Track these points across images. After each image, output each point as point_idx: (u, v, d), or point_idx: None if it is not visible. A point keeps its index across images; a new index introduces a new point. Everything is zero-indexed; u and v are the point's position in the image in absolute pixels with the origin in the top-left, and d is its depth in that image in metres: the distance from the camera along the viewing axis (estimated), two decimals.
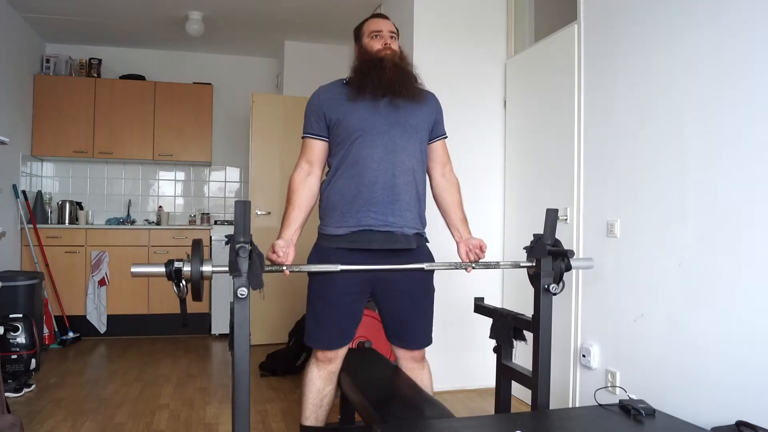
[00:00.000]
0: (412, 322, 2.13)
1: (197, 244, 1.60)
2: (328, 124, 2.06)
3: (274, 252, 1.91)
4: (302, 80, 5.19)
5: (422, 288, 2.14)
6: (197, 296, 1.61)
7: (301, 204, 2.07)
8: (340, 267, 1.80)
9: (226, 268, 1.58)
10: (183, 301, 1.62)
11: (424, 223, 2.14)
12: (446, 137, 2.24)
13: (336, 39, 5.14)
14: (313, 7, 4.40)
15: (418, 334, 2.16)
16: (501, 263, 2.01)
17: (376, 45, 2.07)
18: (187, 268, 1.55)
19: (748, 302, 1.91)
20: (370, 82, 1.99)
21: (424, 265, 1.92)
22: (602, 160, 2.68)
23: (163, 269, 1.56)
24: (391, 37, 2.10)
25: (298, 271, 1.85)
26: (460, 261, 2.04)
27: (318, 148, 2.09)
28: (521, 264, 1.95)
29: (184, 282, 1.57)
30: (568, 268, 1.87)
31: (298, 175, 2.09)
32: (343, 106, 2.03)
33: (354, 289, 2.03)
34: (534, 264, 1.90)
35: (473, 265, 1.98)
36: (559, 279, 1.86)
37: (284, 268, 1.81)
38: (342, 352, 2.10)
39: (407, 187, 2.03)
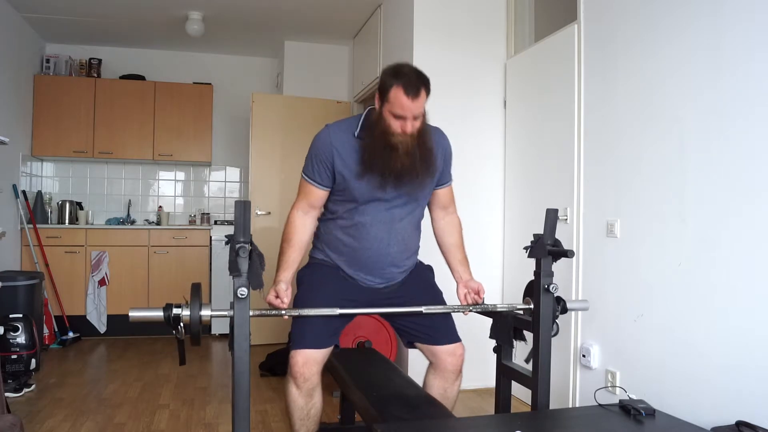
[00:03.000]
0: (432, 320, 2.08)
1: (196, 289, 1.60)
2: (334, 175, 1.99)
3: (277, 297, 1.90)
4: (302, 80, 5.19)
5: (428, 292, 2.13)
6: (196, 341, 1.61)
7: (301, 245, 2.05)
8: (338, 311, 1.82)
9: (226, 312, 1.59)
10: (181, 343, 1.62)
11: (416, 254, 2.19)
12: (452, 182, 2.23)
13: (336, 39, 5.14)
14: (313, 7, 4.40)
15: (442, 328, 2.09)
16: (499, 306, 2.02)
17: (395, 127, 1.89)
18: (185, 313, 1.55)
19: (748, 302, 1.91)
20: (378, 166, 1.91)
21: (422, 309, 1.93)
22: (602, 160, 2.68)
23: (161, 314, 1.56)
24: (415, 119, 1.90)
25: (297, 315, 1.87)
26: (459, 303, 2.04)
27: (320, 195, 2.04)
28: (518, 307, 1.97)
29: (182, 326, 1.57)
30: (564, 311, 1.89)
31: (299, 216, 2.05)
32: (352, 167, 1.96)
33: (345, 299, 2.02)
34: (530, 306, 1.92)
35: (471, 308, 1.97)
36: (553, 320, 1.87)
37: (283, 312, 1.81)
38: (317, 367, 1.98)
39: (400, 253, 2.08)
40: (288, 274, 2.00)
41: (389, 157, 1.90)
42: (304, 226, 2.05)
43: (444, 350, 2.07)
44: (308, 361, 1.95)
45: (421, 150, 1.95)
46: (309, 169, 2.02)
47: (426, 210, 2.22)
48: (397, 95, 1.84)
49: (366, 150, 1.94)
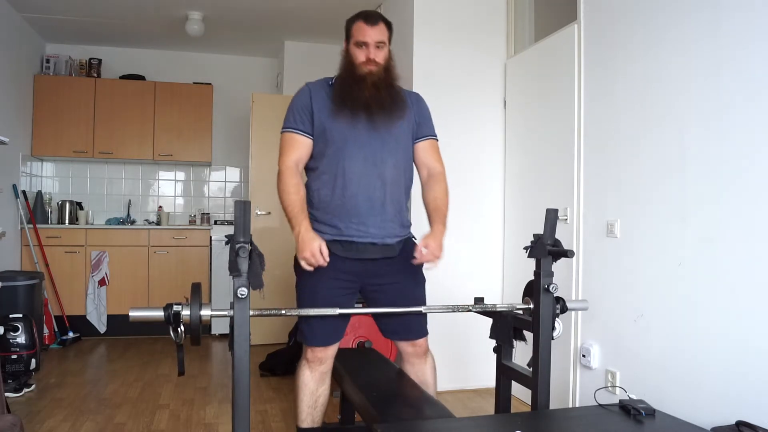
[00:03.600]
0: (408, 319, 2.13)
1: (196, 289, 1.60)
2: (314, 123, 2.07)
3: (312, 254, 1.90)
4: (302, 80, 5.08)
5: (410, 277, 2.15)
6: (196, 341, 1.61)
7: (303, 196, 2.08)
8: (338, 311, 1.83)
9: (226, 312, 1.59)
10: (180, 348, 1.62)
11: (408, 227, 2.21)
12: (433, 137, 2.22)
13: (336, 39, 5.13)
14: (313, 7, 4.40)
15: (414, 323, 2.15)
16: (498, 306, 2.01)
17: (359, 56, 2.05)
18: (186, 312, 1.55)
19: (748, 302, 1.91)
20: (349, 99, 2.02)
21: (422, 308, 1.93)
22: (602, 160, 2.68)
23: (161, 313, 1.57)
24: (378, 47, 2.06)
25: (296, 315, 1.89)
26: (457, 305, 2.03)
27: (306, 146, 2.09)
28: (518, 307, 1.98)
29: (182, 327, 1.57)
30: (564, 310, 1.89)
31: (291, 169, 2.09)
32: (329, 110, 2.05)
33: (342, 288, 2.07)
34: (530, 306, 1.92)
35: (471, 308, 1.97)
36: (553, 320, 1.87)
37: (283, 312, 1.80)
38: (332, 351, 2.09)
39: (388, 199, 2.07)
40: (308, 223, 1.99)
41: (357, 88, 2.02)
42: (299, 182, 2.08)
43: (411, 347, 2.18)
44: (321, 350, 2.07)
45: (387, 82, 2.06)
46: (290, 120, 2.11)
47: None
48: (358, 25, 2.09)
49: (336, 86, 2.08)
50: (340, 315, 1.94)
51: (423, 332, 2.19)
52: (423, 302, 2.17)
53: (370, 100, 2.01)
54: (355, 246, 2.05)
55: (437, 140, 2.24)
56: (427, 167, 2.20)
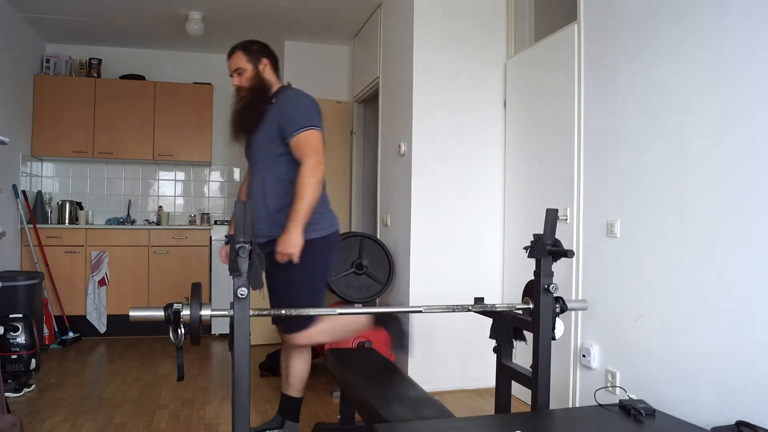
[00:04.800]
0: (277, 302, 2.43)
1: (196, 289, 1.60)
2: None
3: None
4: (302, 80, 5.17)
5: (285, 269, 2.32)
6: (196, 341, 1.61)
7: None
8: (338, 310, 1.98)
9: (226, 312, 1.59)
10: (180, 350, 1.62)
11: (282, 225, 2.35)
12: (297, 132, 2.34)
13: (336, 39, 5.14)
14: (313, 7, 4.40)
15: (288, 320, 2.39)
16: (498, 306, 2.01)
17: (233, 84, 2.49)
18: (186, 312, 1.56)
19: (748, 302, 1.91)
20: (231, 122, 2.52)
21: (422, 308, 1.93)
22: (602, 160, 2.68)
23: (161, 313, 1.57)
24: (239, 74, 2.46)
25: (296, 314, 2.01)
26: (457, 305, 2.05)
27: None
28: (518, 307, 1.98)
29: (182, 329, 1.57)
30: (564, 310, 1.89)
31: None
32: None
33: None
34: (529, 306, 1.92)
35: (471, 308, 1.97)
36: (553, 320, 1.87)
37: (283, 312, 1.84)
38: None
39: (258, 206, 2.40)
40: None
41: (232, 115, 2.51)
42: None
43: (283, 338, 2.48)
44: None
45: (245, 102, 2.45)
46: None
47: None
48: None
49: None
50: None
51: (289, 329, 2.41)
52: (296, 297, 2.37)
53: (234, 117, 2.49)
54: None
55: (305, 131, 2.35)
56: (299, 159, 2.36)
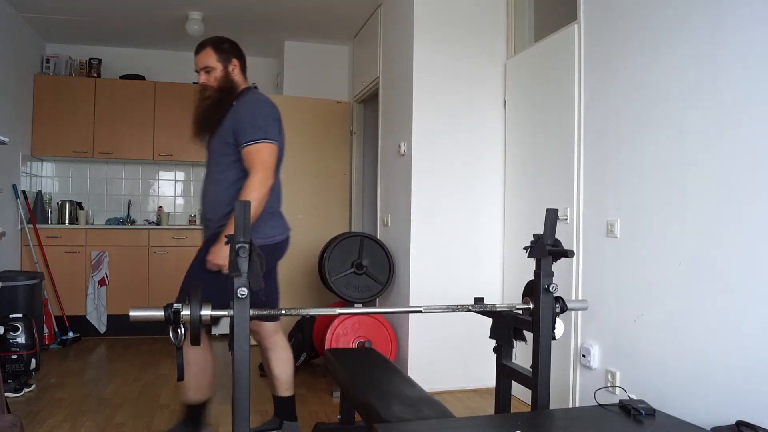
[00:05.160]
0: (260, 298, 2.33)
1: (196, 288, 1.60)
2: None
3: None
4: (302, 80, 5.19)
5: (214, 274, 2.30)
6: (196, 341, 1.61)
7: None
8: (338, 310, 2.06)
9: (226, 312, 1.59)
10: (180, 350, 1.62)
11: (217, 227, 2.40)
12: (248, 144, 2.29)
13: (336, 39, 5.14)
14: (313, 7, 4.40)
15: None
16: (498, 306, 2.01)
17: (200, 82, 2.45)
18: (186, 312, 1.56)
19: (748, 302, 1.91)
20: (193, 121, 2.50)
21: (422, 308, 1.92)
22: (602, 160, 2.68)
23: (161, 313, 1.57)
24: (207, 72, 2.39)
25: (296, 315, 2.05)
26: (457, 305, 2.04)
27: None
28: (517, 307, 1.97)
29: (182, 329, 1.57)
30: (564, 310, 1.89)
31: None
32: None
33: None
34: (529, 306, 1.92)
35: (470, 308, 1.97)
36: (553, 320, 1.87)
37: (283, 312, 1.87)
38: (264, 331, 2.51)
39: (208, 210, 2.47)
40: None
41: (195, 112, 2.47)
42: None
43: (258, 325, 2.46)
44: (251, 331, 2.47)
45: (211, 102, 2.39)
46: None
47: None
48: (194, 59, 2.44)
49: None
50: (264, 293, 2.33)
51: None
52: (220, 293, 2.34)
53: (196, 116, 2.46)
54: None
55: (257, 144, 2.29)
56: (248, 170, 2.32)
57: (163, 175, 5.69)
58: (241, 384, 1.58)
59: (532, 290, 1.93)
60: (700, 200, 2.11)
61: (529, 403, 1.97)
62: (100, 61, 5.29)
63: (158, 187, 5.68)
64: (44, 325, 4.35)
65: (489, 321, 2.16)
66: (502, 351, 2.09)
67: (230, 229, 2.12)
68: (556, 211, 1.90)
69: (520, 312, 2.00)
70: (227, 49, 2.43)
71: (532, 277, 1.93)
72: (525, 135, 3.42)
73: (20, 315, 3.54)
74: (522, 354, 2.40)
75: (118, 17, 4.68)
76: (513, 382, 2.06)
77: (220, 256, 2.23)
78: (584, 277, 2.79)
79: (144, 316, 1.59)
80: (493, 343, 2.13)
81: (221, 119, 2.36)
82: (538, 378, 1.86)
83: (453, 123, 3.59)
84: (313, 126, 4.86)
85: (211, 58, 2.40)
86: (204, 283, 2.20)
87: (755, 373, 1.87)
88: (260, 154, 2.27)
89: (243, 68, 2.51)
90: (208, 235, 2.45)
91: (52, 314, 4.66)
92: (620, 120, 2.55)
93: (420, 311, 1.93)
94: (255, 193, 2.24)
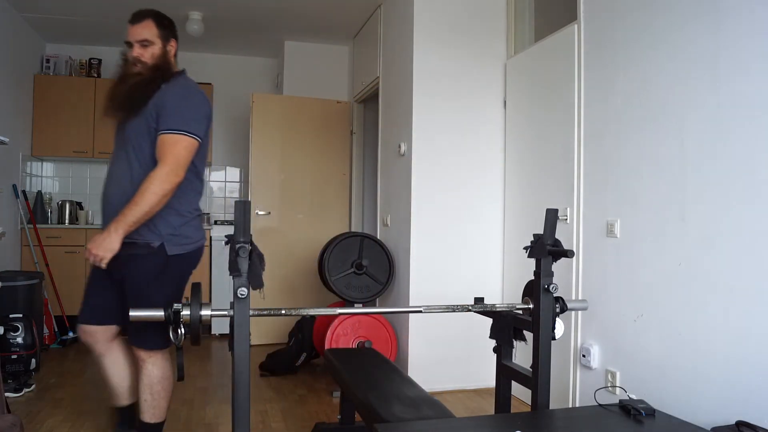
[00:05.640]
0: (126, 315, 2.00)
1: (196, 289, 1.60)
2: None
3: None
4: (302, 80, 5.19)
5: (130, 278, 2.12)
6: (196, 341, 1.61)
7: None
8: (338, 310, 1.98)
9: (226, 312, 1.59)
10: (180, 351, 1.62)
11: (150, 233, 2.08)
12: (166, 132, 2.05)
13: (336, 39, 5.14)
14: (313, 7, 4.40)
15: (133, 328, 2.20)
16: (498, 306, 2.01)
17: (129, 54, 2.17)
18: (186, 312, 1.56)
19: (748, 302, 1.91)
20: (106, 99, 2.16)
21: (422, 308, 1.92)
22: (602, 160, 2.68)
23: (161, 313, 1.57)
24: (143, 46, 2.14)
25: (296, 315, 1.96)
26: (457, 305, 2.02)
27: None
28: (517, 307, 1.97)
29: (182, 329, 1.57)
30: (563, 310, 1.89)
31: None
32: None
33: (103, 278, 2.18)
34: (529, 306, 1.92)
35: (470, 308, 1.96)
36: (553, 320, 1.87)
37: (283, 312, 1.83)
38: (102, 335, 2.27)
39: (115, 198, 2.10)
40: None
41: (112, 89, 2.16)
42: None
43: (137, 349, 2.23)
44: (85, 333, 2.27)
45: (141, 80, 2.10)
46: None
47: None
48: (128, 28, 2.18)
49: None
50: (98, 299, 2.22)
51: (137, 342, 2.22)
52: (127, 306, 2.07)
53: (115, 94, 2.13)
54: None
55: (175, 134, 2.04)
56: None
57: None
58: (241, 384, 1.58)
59: (532, 290, 1.94)
60: (700, 200, 2.11)
61: (529, 403, 1.97)
62: (100, 61, 5.29)
63: None
64: (44, 325, 4.35)
65: (489, 321, 2.16)
66: (502, 351, 2.09)
67: (122, 221, 1.97)
68: (556, 211, 1.90)
69: (520, 312, 2.00)
70: (168, 26, 2.22)
71: (532, 277, 1.93)
72: (525, 135, 3.42)
73: (20, 315, 3.54)
74: (522, 354, 2.40)
75: (118, 17, 4.67)
76: (513, 382, 2.06)
77: (106, 247, 1.96)
78: (584, 277, 2.79)
79: (144, 316, 1.60)
80: (493, 343, 2.13)
81: (147, 101, 2.07)
82: (538, 378, 1.86)
83: (453, 123, 3.59)
84: (313, 126, 4.86)
85: (151, 31, 2.15)
86: (155, 291, 2.08)
87: (755, 373, 1.87)
88: (175, 147, 2.02)
89: (176, 53, 2.27)
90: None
91: (52, 314, 4.65)
92: (620, 120, 2.55)
93: (420, 311, 1.94)
94: (156, 186, 1.98)
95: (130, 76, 2.11)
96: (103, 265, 1.99)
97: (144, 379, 2.23)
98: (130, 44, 2.14)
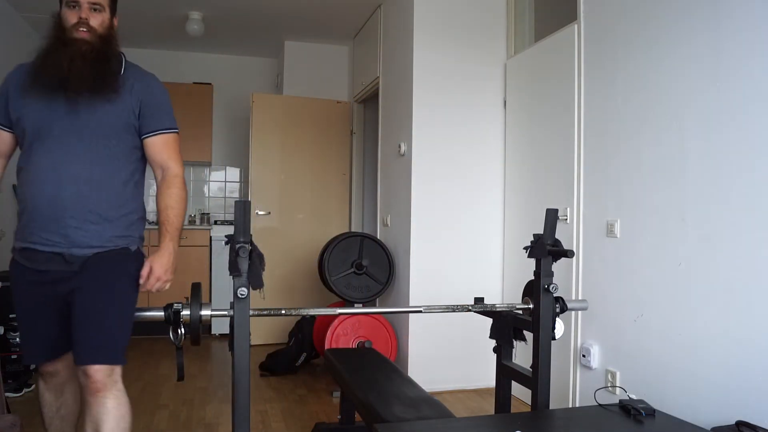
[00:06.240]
0: (82, 326, 1.68)
1: (196, 289, 1.60)
2: (9, 110, 1.77)
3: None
4: (302, 80, 5.19)
5: (102, 279, 1.71)
6: (196, 341, 1.60)
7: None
8: (338, 310, 1.83)
9: (226, 312, 1.59)
10: (180, 351, 1.61)
11: (122, 237, 1.77)
12: (168, 132, 1.86)
13: (336, 39, 5.14)
14: (313, 7, 4.40)
15: (86, 343, 1.67)
16: (498, 306, 2.01)
17: (71, 18, 1.73)
18: (186, 312, 1.56)
19: (748, 302, 1.91)
20: (45, 71, 1.69)
21: (422, 308, 1.92)
22: (602, 160, 2.68)
23: (161, 313, 1.57)
24: (94, 10, 1.76)
25: (296, 315, 1.88)
26: (457, 305, 2.00)
27: (2, 139, 1.81)
28: (518, 307, 1.98)
29: (182, 329, 1.57)
30: (563, 310, 1.89)
31: None
32: (20, 85, 1.75)
33: (41, 298, 1.74)
34: (529, 306, 1.92)
35: (470, 308, 1.96)
36: (553, 320, 1.87)
37: (283, 312, 1.77)
38: (62, 364, 1.84)
39: (80, 201, 1.69)
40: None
41: (58, 57, 1.68)
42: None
43: (81, 374, 1.71)
44: (48, 374, 1.86)
45: (101, 54, 1.75)
46: None
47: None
48: None
49: (37, 55, 1.75)
50: (58, 326, 1.74)
51: (97, 357, 1.68)
52: (110, 320, 1.73)
53: (71, 73, 1.66)
54: (35, 256, 1.71)
55: (175, 133, 1.88)
56: (161, 167, 1.85)
57: None
58: (241, 384, 1.58)
59: (532, 290, 1.94)
60: (700, 200, 2.11)
61: (529, 403, 1.97)
62: None
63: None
64: None
65: (489, 321, 2.16)
66: (502, 351, 2.10)
67: (174, 233, 1.76)
68: (556, 211, 1.90)
69: (520, 312, 2.00)
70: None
71: (532, 277, 1.93)
72: (525, 135, 3.42)
73: None
74: (522, 354, 2.40)
75: (118, 17, 4.68)
76: (513, 382, 2.06)
77: (169, 268, 1.74)
78: (584, 277, 2.79)
79: (144, 316, 1.60)
80: (493, 343, 2.13)
81: (111, 85, 1.76)
82: (538, 378, 1.86)
83: (453, 123, 3.59)
84: (313, 126, 4.86)
85: None
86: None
87: (755, 373, 1.87)
88: (177, 146, 1.88)
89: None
90: (95, 241, 1.72)
91: None
92: (620, 120, 2.55)
93: (420, 311, 1.94)
94: (184, 191, 1.84)
95: (75, 43, 1.71)
96: (166, 287, 1.76)
97: (104, 420, 1.71)
98: (74, 4, 1.73)
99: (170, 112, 1.90)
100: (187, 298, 1.60)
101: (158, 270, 1.71)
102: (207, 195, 5.79)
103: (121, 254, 1.77)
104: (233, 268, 1.56)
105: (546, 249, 1.86)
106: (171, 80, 5.41)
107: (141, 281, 1.72)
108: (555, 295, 1.87)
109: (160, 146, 1.84)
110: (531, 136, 3.35)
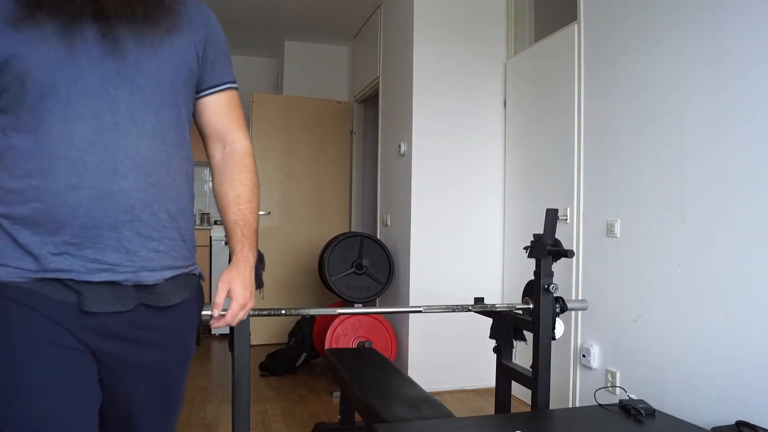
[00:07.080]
0: (151, 424, 1.17)
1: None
2: None
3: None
4: (302, 80, 5.19)
5: (178, 356, 1.21)
6: (196, 341, 1.60)
7: None
8: (338, 310, 1.80)
9: (226, 312, 1.58)
10: None
11: (191, 249, 1.24)
12: (232, 86, 1.25)
13: (336, 39, 5.14)
14: (313, 7, 4.40)
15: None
16: (498, 306, 2.01)
17: None
18: None
19: (748, 302, 1.91)
20: None
21: (422, 308, 1.92)
22: (602, 160, 2.68)
23: None
24: None
25: (296, 315, 1.85)
26: (457, 305, 1.90)
27: None
28: (518, 307, 1.97)
29: None
30: (563, 310, 1.89)
31: None
32: (14, 22, 0.96)
33: (62, 363, 1.01)
34: (529, 306, 1.92)
35: (471, 308, 1.95)
36: (553, 320, 1.87)
37: (283, 312, 1.66)
38: None
39: (147, 195, 1.04)
40: None
41: None
42: None
43: None
44: None
45: None
46: None
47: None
48: None
49: None
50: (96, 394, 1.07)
51: None
52: (174, 414, 1.24)
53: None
54: (80, 288, 1.01)
55: (234, 88, 1.26)
56: (222, 139, 1.28)
57: None
58: (241, 384, 1.59)
59: (532, 290, 1.94)
60: (700, 200, 2.11)
61: (529, 403, 1.97)
62: None
63: None
64: None
65: (489, 321, 2.16)
66: (502, 351, 2.10)
67: (252, 238, 1.25)
68: (556, 211, 1.90)
69: (520, 312, 2.00)
70: None
71: (532, 277, 1.93)
72: (525, 135, 3.43)
73: None
74: (522, 354, 2.41)
75: None
76: (513, 382, 2.06)
77: (251, 290, 1.22)
78: (584, 277, 2.79)
79: None
80: (493, 343, 2.13)
81: (168, 8, 1.07)
82: (538, 378, 1.86)
83: (453, 123, 3.59)
84: (313, 126, 4.86)
85: None
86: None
87: (755, 373, 1.88)
88: (240, 107, 1.30)
89: None
90: (168, 260, 1.12)
91: None
92: (620, 120, 2.55)
93: (420, 311, 1.94)
94: (258, 179, 1.31)
95: None
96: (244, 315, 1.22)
97: None
98: None
99: (229, 62, 1.25)
100: None
101: (242, 295, 1.18)
102: (207, 195, 5.79)
103: (197, 292, 1.26)
104: None
105: (546, 249, 1.86)
106: None
107: (214, 313, 1.20)
108: (555, 295, 1.87)
109: (226, 108, 1.24)
110: (531, 136, 3.35)
